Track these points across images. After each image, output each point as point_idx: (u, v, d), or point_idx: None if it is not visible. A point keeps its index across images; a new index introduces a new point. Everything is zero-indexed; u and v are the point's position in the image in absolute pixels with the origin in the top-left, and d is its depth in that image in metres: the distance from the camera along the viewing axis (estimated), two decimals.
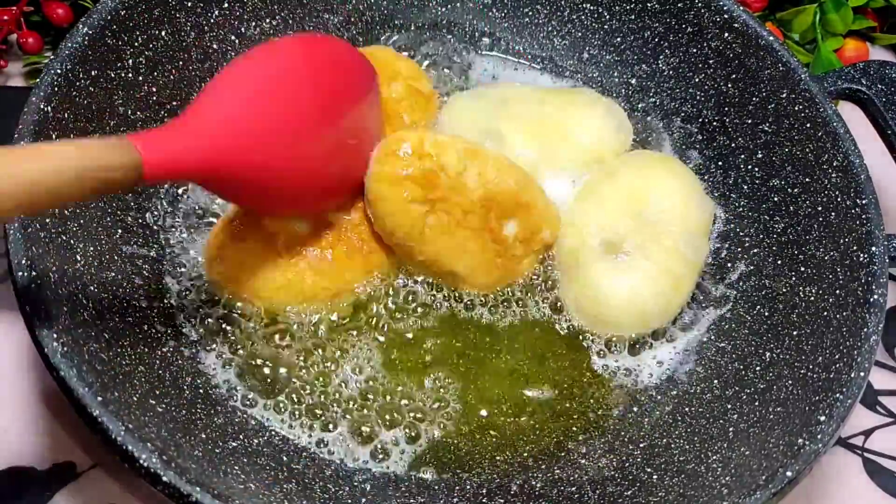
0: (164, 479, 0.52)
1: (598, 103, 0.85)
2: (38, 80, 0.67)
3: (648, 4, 0.88)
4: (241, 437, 0.66)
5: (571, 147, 0.82)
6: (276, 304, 0.73)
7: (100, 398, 0.54)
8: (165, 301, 0.72)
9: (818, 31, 1.02)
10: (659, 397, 0.75)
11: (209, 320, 0.73)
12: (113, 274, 0.68)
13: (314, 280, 0.72)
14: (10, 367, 0.74)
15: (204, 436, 0.63)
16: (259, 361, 0.71)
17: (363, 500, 0.65)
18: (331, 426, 0.69)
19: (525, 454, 0.70)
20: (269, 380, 0.71)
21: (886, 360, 0.84)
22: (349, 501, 0.64)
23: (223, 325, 0.73)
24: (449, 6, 0.93)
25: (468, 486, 0.67)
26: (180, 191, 0.79)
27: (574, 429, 0.72)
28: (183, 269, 0.75)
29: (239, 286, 0.72)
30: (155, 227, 0.75)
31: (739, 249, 0.81)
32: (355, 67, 0.71)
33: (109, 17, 0.72)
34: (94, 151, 0.48)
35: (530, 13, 0.93)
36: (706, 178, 0.86)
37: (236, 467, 0.61)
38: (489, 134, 0.82)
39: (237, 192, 0.60)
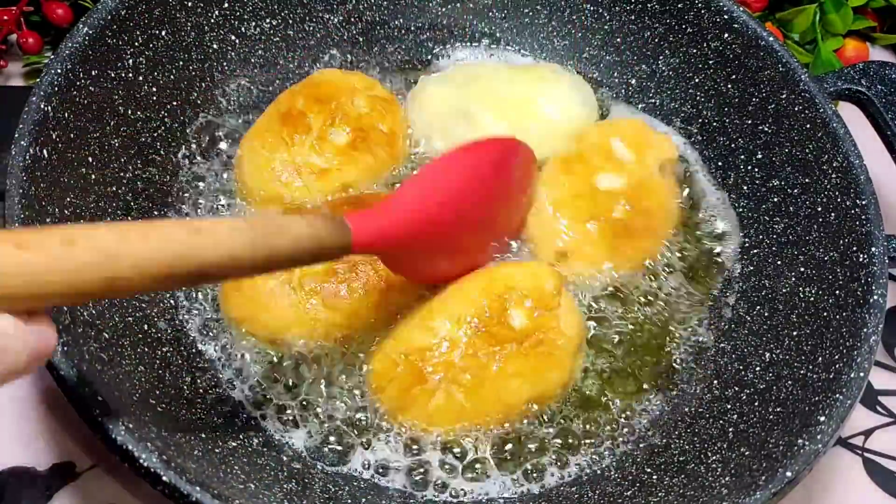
0: (165, 478, 0.52)
1: (563, 78, 0.87)
2: (38, 79, 0.67)
3: (649, 5, 0.88)
4: (240, 437, 0.66)
5: (541, 122, 0.84)
6: (290, 340, 0.71)
7: (99, 398, 0.54)
8: (166, 301, 0.72)
9: (818, 31, 1.02)
10: (658, 397, 0.74)
11: (211, 322, 0.73)
12: None
13: (328, 316, 0.71)
14: None
15: (204, 435, 0.63)
16: (260, 363, 0.71)
17: (363, 500, 0.65)
18: (332, 428, 0.69)
19: (525, 456, 0.70)
20: (271, 380, 0.71)
21: (886, 360, 0.85)
22: (349, 501, 0.64)
23: (225, 326, 0.73)
24: (449, 6, 0.93)
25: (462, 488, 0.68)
26: (189, 194, 0.79)
27: (573, 429, 0.72)
28: None
29: (254, 323, 0.71)
30: None
31: (739, 250, 0.81)
32: (521, 166, 0.79)
33: (110, 17, 0.72)
34: (321, 230, 0.56)
35: (530, 14, 0.93)
36: (706, 179, 0.86)
37: (236, 467, 0.61)
38: (460, 113, 0.83)
39: (406, 266, 0.69)
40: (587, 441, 0.71)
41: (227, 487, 0.56)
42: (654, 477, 0.67)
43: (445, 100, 0.84)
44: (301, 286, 0.71)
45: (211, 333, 0.73)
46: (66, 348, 0.56)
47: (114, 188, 0.72)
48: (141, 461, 0.53)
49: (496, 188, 0.74)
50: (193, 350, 0.71)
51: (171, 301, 0.73)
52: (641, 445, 0.71)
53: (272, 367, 0.71)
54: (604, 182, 0.79)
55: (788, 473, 0.59)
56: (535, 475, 0.68)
